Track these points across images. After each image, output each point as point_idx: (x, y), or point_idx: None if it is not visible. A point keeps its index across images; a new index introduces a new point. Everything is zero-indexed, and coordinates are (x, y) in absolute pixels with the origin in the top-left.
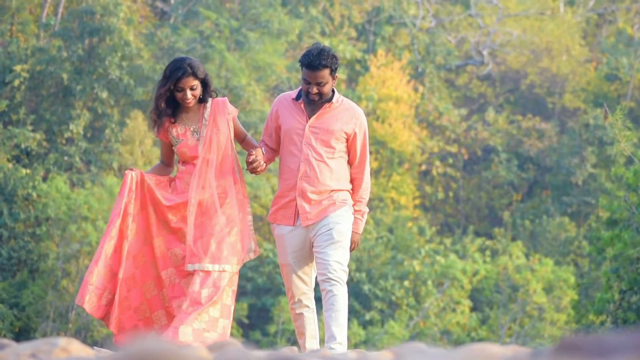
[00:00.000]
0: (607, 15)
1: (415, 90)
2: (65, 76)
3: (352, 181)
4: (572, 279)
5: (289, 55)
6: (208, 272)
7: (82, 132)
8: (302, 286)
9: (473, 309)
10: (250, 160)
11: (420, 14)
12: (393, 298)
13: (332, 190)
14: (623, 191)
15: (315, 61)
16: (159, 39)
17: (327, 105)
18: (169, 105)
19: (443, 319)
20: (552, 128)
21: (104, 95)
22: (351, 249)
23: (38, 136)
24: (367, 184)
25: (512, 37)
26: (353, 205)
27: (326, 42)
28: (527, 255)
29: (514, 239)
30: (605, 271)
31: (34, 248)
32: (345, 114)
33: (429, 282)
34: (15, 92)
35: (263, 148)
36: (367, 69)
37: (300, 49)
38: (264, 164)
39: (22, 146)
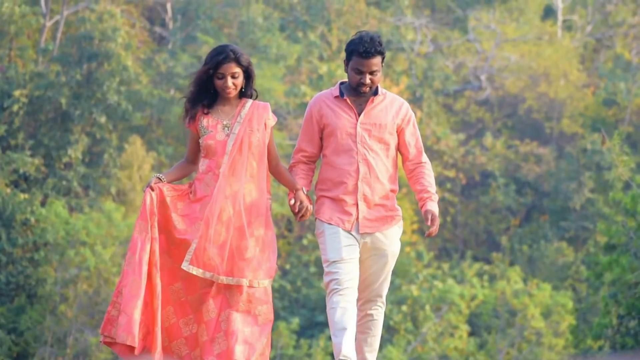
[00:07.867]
0: (604, 41)
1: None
2: (63, 101)
3: (413, 171)
4: (570, 304)
5: (287, 80)
6: (244, 289)
7: (80, 157)
8: (354, 276)
9: (471, 334)
10: (297, 210)
11: (418, 39)
12: (391, 323)
13: (390, 191)
14: (621, 216)
15: (371, 48)
16: (157, 64)
17: (372, 98)
18: (206, 95)
19: (441, 343)
20: (549, 153)
21: (102, 120)
22: (434, 232)
23: (36, 161)
24: (430, 169)
25: (510, 62)
26: (428, 190)
27: (324, 67)
28: (525, 280)
29: (511, 264)
30: (603, 296)
31: (32, 273)
32: (393, 105)
33: (427, 307)
34: (14, 117)
35: (304, 188)
36: None
37: (298, 73)
38: (311, 206)
39: (21, 171)
